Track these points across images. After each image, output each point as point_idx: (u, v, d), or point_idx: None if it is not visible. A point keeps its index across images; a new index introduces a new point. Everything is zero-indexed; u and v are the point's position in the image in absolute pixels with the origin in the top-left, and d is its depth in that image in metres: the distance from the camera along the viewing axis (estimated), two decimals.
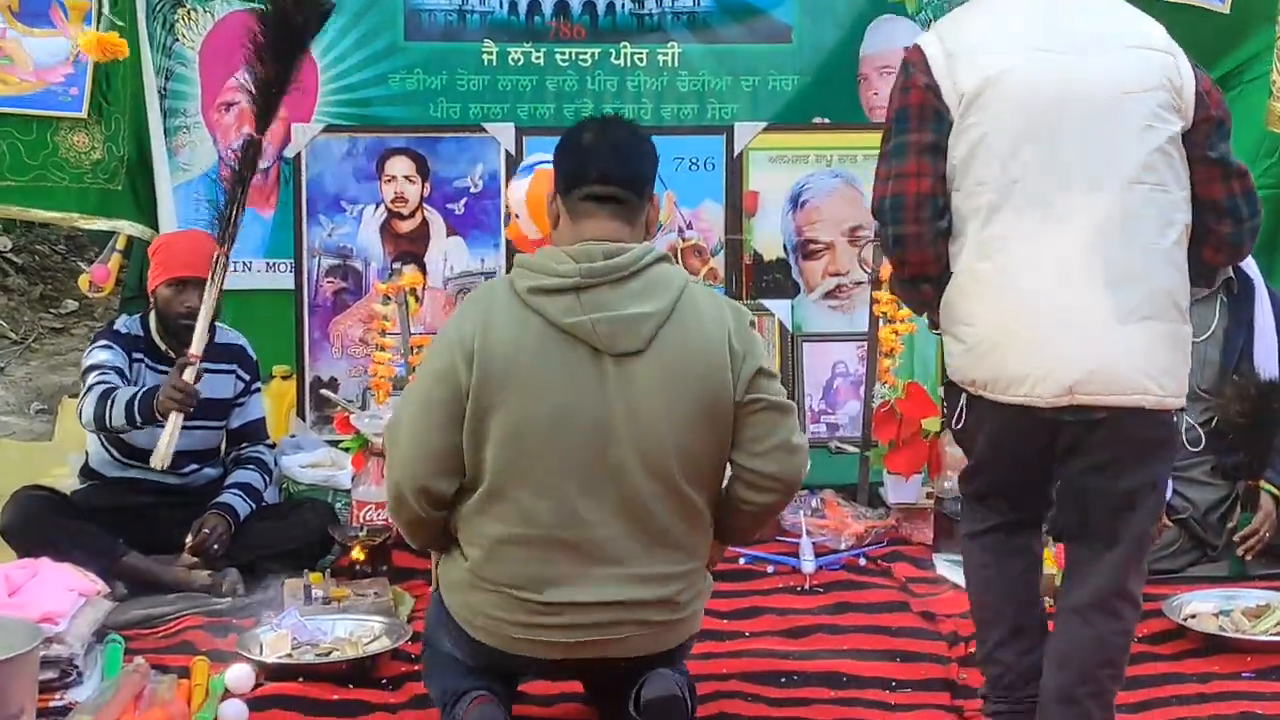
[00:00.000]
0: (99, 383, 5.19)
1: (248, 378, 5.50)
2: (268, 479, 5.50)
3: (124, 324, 5.46)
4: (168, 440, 5.07)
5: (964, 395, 3.77)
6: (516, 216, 5.64)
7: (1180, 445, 3.79)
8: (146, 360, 5.37)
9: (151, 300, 5.40)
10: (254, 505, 5.36)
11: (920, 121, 3.69)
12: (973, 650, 4.58)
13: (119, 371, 5.27)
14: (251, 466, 5.46)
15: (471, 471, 3.76)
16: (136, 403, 5.08)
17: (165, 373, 5.25)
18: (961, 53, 3.68)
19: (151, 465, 5.13)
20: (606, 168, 3.80)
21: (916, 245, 3.72)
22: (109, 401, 5.10)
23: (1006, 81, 3.61)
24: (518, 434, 3.68)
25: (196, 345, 5.09)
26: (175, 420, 5.07)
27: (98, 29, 6.68)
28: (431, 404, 3.75)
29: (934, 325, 3.93)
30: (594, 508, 3.70)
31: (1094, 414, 3.60)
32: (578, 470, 3.69)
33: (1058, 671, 3.76)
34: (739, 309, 3.95)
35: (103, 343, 5.37)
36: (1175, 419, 3.69)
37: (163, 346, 5.37)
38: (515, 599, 3.75)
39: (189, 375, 5.05)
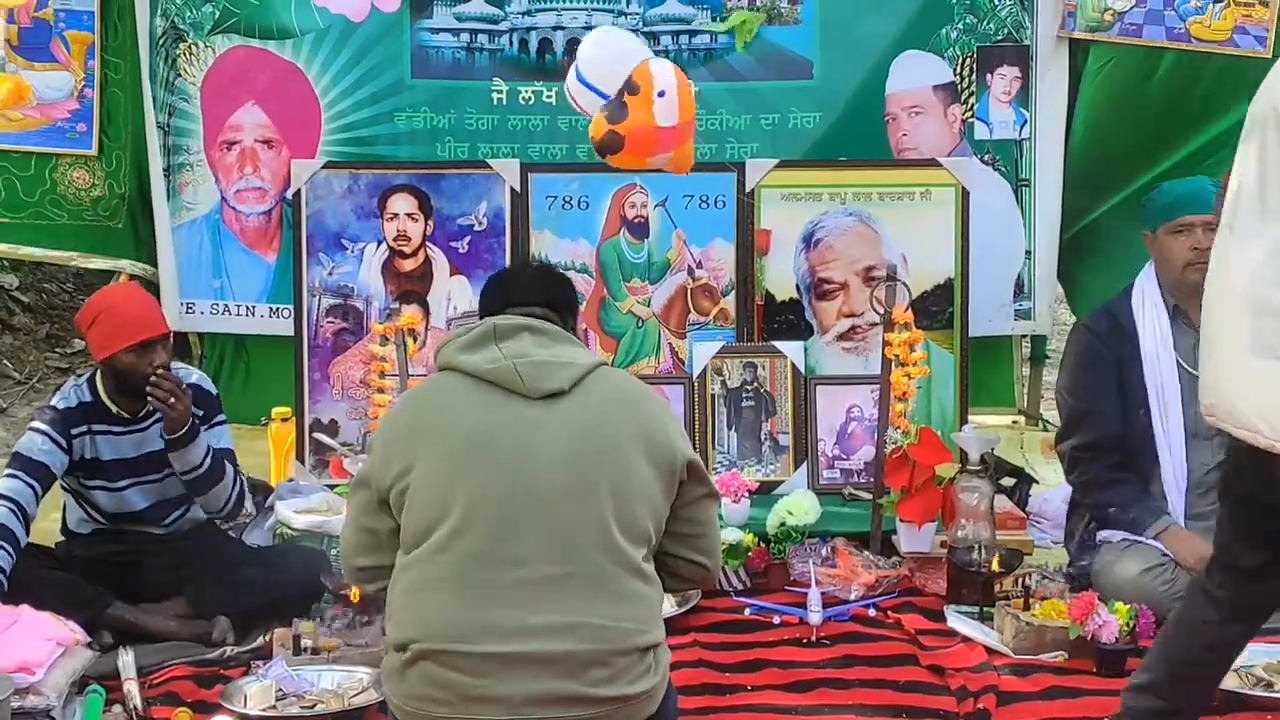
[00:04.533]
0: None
1: (202, 413, 5.37)
2: (234, 477, 5.41)
3: (70, 394, 5.31)
4: None
5: None
6: (661, 95, 5.40)
7: None
8: (93, 427, 5.27)
9: (104, 366, 5.25)
10: (212, 462, 5.29)
11: None
12: (981, 706, 4.53)
13: (39, 476, 5.14)
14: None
15: (402, 531, 3.70)
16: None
17: (116, 434, 5.27)
18: None
19: None
20: (528, 292, 3.91)
21: None
22: None
23: None
24: (430, 481, 3.62)
25: None
26: None
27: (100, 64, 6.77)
28: (360, 498, 3.79)
29: None
30: (520, 545, 3.57)
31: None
32: (498, 503, 3.58)
33: None
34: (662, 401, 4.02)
35: (41, 429, 5.23)
36: None
37: (114, 409, 5.29)
38: (437, 666, 3.55)
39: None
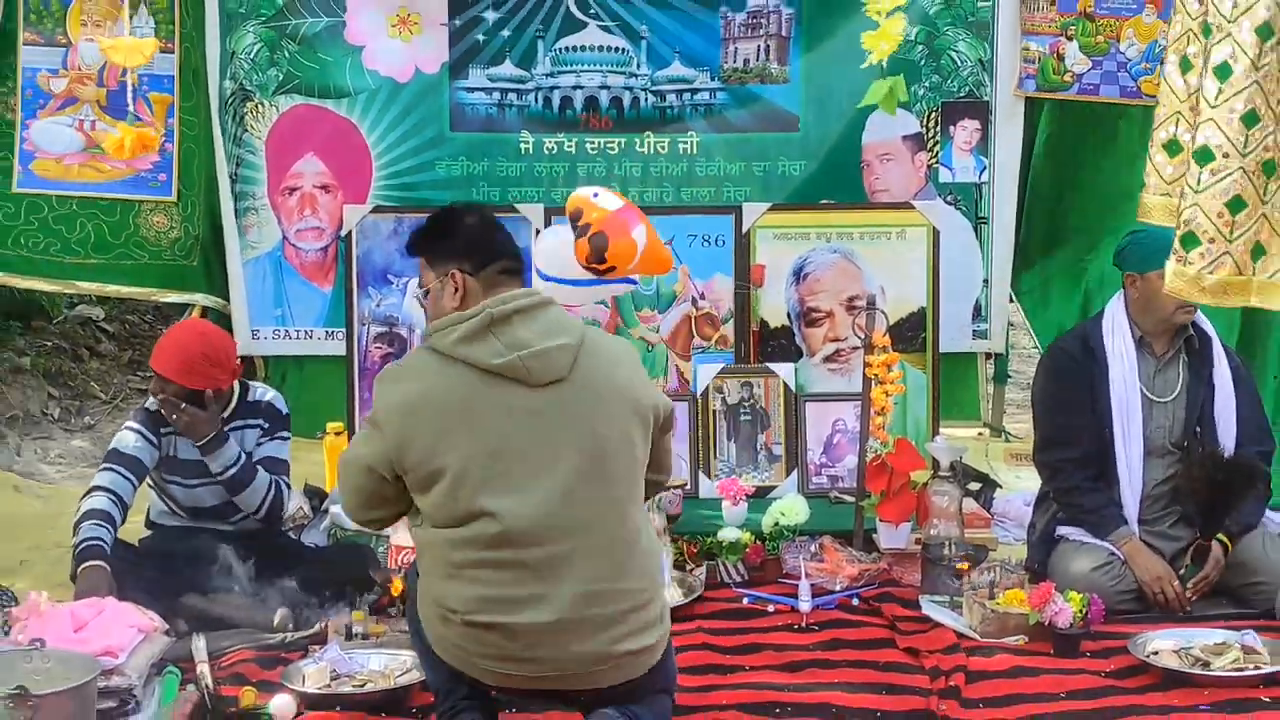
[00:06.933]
0: (98, 491, 5.11)
1: (268, 426, 5.39)
2: (270, 484, 5.33)
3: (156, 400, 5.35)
4: None
5: None
6: (595, 195, 5.29)
7: None
8: (177, 430, 5.28)
9: None
10: (241, 466, 5.25)
11: None
12: (952, 684, 4.49)
13: (134, 470, 5.19)
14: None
15: (424, 509, 3.71)
16: (74, 551, 5.00)
17: None
18: None
19: None
20: (510, 245, 3.91)
21: None
22: (79, 523, 5.03)
23: None
24: (464, 473, 3.63)
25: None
26: None
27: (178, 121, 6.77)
28: (367, 466, 3.74)
29: None
30: (548, 527, 3.61)
31: None
32: (527, 494, 3.62)
33: None
34: (631, 346, 4.06)
35: (134, 427, 5.28)
36: None
37: None
38: (481, 630, 3.63)
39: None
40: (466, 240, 3.88)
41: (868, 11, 6.05)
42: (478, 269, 3.82)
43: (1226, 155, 4.28)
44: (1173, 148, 4.73)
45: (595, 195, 5.34)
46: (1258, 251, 4.27)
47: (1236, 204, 4.31)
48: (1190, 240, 4.35)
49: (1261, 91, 4.25)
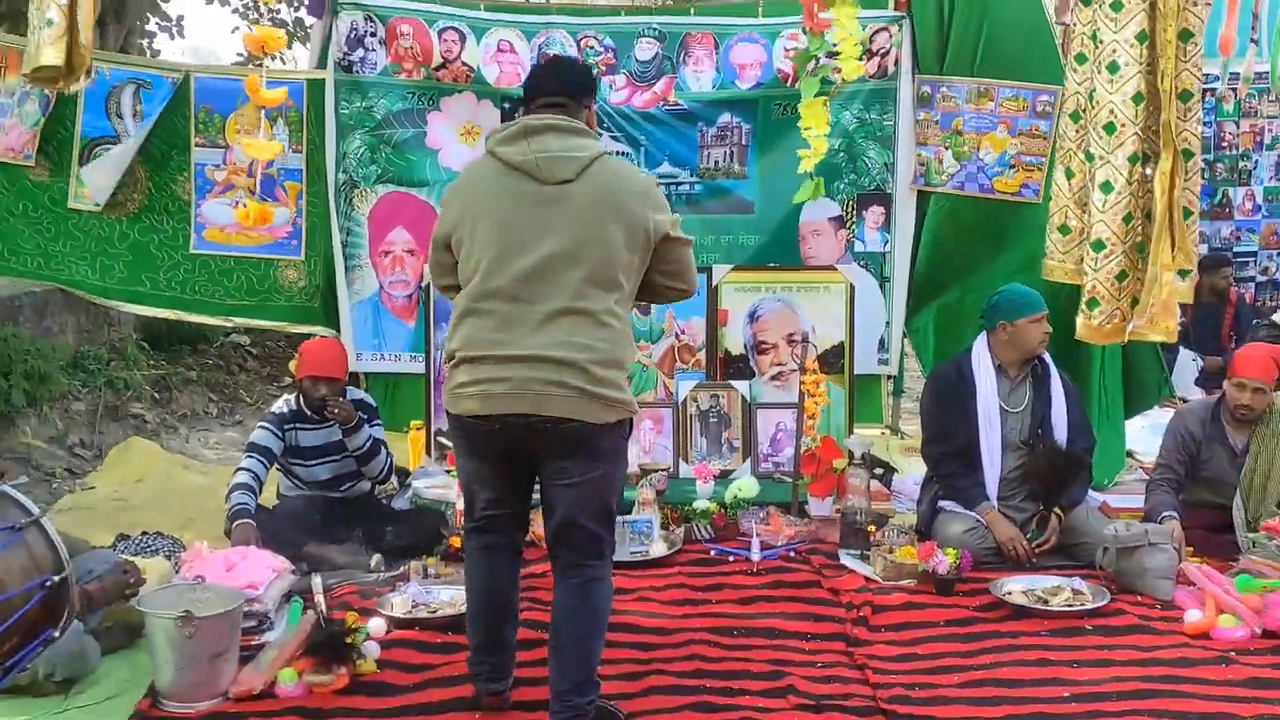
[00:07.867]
0: (243, 470, 5.09)
1: (365, 416, 5.36)
2: (385, 454, 5.37)
3: (281, 404, 5.31)
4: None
5: None
6: None
7: None
8: (298, 425, 5.26)
9: (298, 383, 5.31)
10: (372, 443, 5.29)
11: None
12: (863, 614, 4.46)
13: (267, 456, 5.16)
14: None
15: (459, 278, 3.60)
16: (227, 513, 4.99)
17: (309, 430, 5.27)
18: None
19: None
20: (552, 83, 3.68)
21: None
22: (231, 493, 5.01)
23: None
24: (475, 239, 3.51)
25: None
26: None
27: (306, 202, 6.75)
28: (435, 240, 3.69)
29: None
30: (521, 288, 3.44)
31: None
32: (511, 263, 3.44)
33: None
34: (650, 177, 3.77)
35: (265, 425, 5.25)
36: None
37: (308, 413, 5.28)
38: (469, 364, 3.46)
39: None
40: (531, 83, 3.72)
41: (803, 135, 5.98)
42: (530, 104, 3.65)
43: (1113, 245, 4.67)
44: (1064, 229, 5.02)
45: None
46: (1134, 304, 4.73)
47: (1122, 275, 4.71)
48: (1093, 303, 4.75)
49: (1134, 198, 4.62)
